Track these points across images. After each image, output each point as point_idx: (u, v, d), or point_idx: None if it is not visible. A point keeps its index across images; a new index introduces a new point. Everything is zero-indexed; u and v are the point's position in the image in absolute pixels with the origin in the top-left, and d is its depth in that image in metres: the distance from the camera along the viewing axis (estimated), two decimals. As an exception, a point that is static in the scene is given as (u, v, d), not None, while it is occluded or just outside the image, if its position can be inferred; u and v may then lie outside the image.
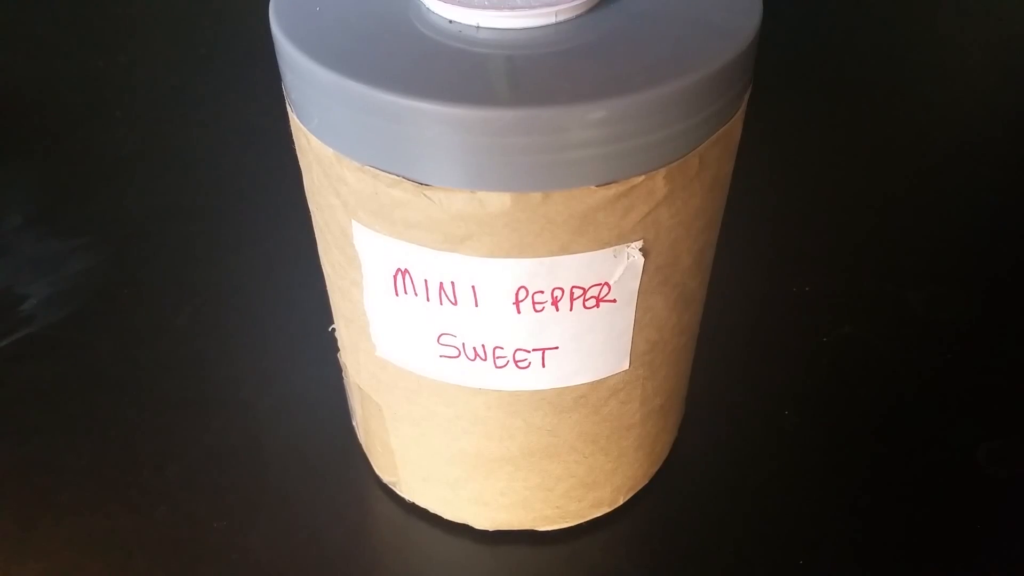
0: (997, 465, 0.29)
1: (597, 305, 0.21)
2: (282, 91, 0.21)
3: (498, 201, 0.18)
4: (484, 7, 0.19)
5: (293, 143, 0.22)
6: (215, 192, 0.42)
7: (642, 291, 0.21)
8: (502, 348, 0.21)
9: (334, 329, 0.26)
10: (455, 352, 0.22)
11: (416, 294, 0.21)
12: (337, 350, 0.27)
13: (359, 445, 0.29)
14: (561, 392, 0.23)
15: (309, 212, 0.23)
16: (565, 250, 0.19)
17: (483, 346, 0.21)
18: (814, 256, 0.38)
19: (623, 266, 0.20)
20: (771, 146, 0.44)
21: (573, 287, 0.20)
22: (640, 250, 0.20)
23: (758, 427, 0.31)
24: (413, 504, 0.28)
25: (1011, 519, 0.28)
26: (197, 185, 0.43)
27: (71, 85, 0.50)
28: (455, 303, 0.20)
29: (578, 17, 0.20)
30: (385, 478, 0.28)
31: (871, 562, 0.27)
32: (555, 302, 0.20)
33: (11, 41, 0.55)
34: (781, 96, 0.48)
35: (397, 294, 0.21)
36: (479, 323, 0.21)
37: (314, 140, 0.20)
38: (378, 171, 0.19)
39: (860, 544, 0.27)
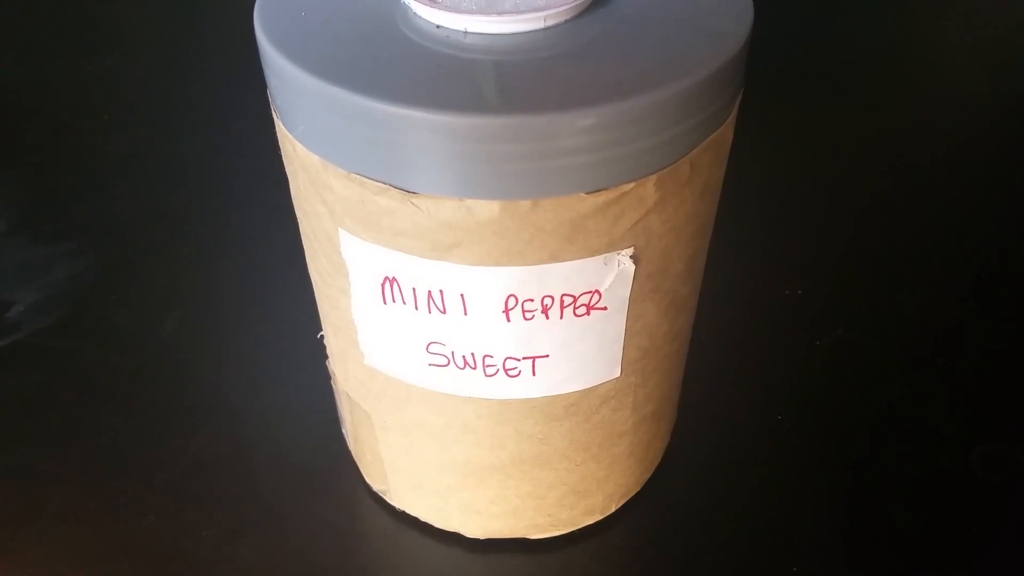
0: (990, 469, 0.29)
1: (588, 313, 0.20)
2: (267, 97, 0.21)
3: (487, 209, 0.18)
4: (472, 12, 0.19)
5: (279, 149, 0.22)
6: (202, 198, 0.42)
7: (633, 298, 0.21)
8: (492, 357, 0.21)
9: (322, 336, 0.26)
10: (444, 361, 0.21)
11: (404, 303, 0.20)
12: (325, 357, 0.27)
13: (348, 453, 0.29)
14: (552, 400, 0.22)
15: (296, 219, 0.23)
16: (555, 258, 0.19)
17: (472, 355, 0.21)
18: (806, 259, 0.38)
19: (614, 274, 0.20)
20: (762, 149, 0.44)
21: (563, 295, 0.20)
22: (631, 257, 0.20)
23: (751, 432, 0.31)
24: (403, 512, 0.28)
25: (1004, 523, 0.28)
26: (184, 190, 0.42)
27: (58, 88, 0.50)
28: (444, 312, 0.20)
29: (567, 22, 0.19)
30: (375, 486, 0.28)
31: (865, 568, 0.27)
32: (545, 310, 0.20)
33: (-3, 43, 0.55)
34: (771, 100, 0.48)
35: (385, 302, 0.21)
36: (468, 332, 0.20)
37: (300, 147, 0.20)
38: (365, 179, 0.18)
39: (853, 550, 0.27)
